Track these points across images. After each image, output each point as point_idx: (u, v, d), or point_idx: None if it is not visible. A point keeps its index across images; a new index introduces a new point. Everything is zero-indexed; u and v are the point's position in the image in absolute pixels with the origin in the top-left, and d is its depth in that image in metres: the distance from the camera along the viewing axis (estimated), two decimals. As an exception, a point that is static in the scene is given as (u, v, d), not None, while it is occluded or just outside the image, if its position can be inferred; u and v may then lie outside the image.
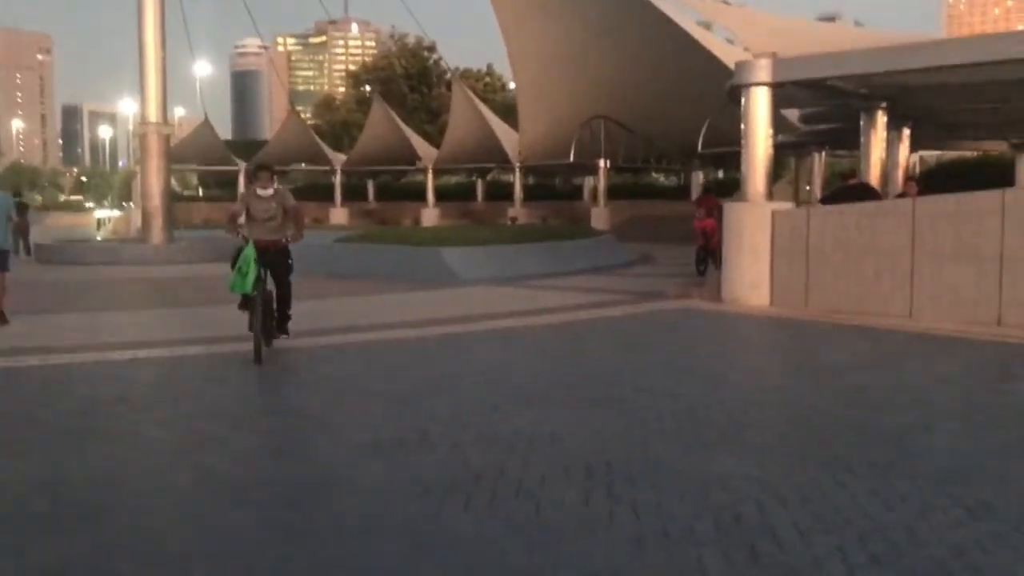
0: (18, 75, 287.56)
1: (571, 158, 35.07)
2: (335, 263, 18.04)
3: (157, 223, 23.43)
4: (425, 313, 11.76)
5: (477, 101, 40.30)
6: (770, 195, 12.23)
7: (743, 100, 12.12)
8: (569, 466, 4.89)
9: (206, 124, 42.75)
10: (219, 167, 40.35)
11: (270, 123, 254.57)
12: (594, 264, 19.09)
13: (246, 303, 8.39)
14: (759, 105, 11.97)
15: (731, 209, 12.38)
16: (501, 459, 5.04)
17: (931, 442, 5.51)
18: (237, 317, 8.69)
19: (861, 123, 15.09)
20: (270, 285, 8.44)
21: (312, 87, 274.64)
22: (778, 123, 18.55)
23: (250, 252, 8.09)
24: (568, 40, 32.71)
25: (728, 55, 28.66)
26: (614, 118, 35.58)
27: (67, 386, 7.30)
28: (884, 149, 15.15)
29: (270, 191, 8.59)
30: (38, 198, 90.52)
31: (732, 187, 41.64)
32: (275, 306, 8.55)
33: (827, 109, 17.47)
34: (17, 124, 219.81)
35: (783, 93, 12.61)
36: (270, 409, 6.75)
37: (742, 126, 12.22)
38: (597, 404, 6.57)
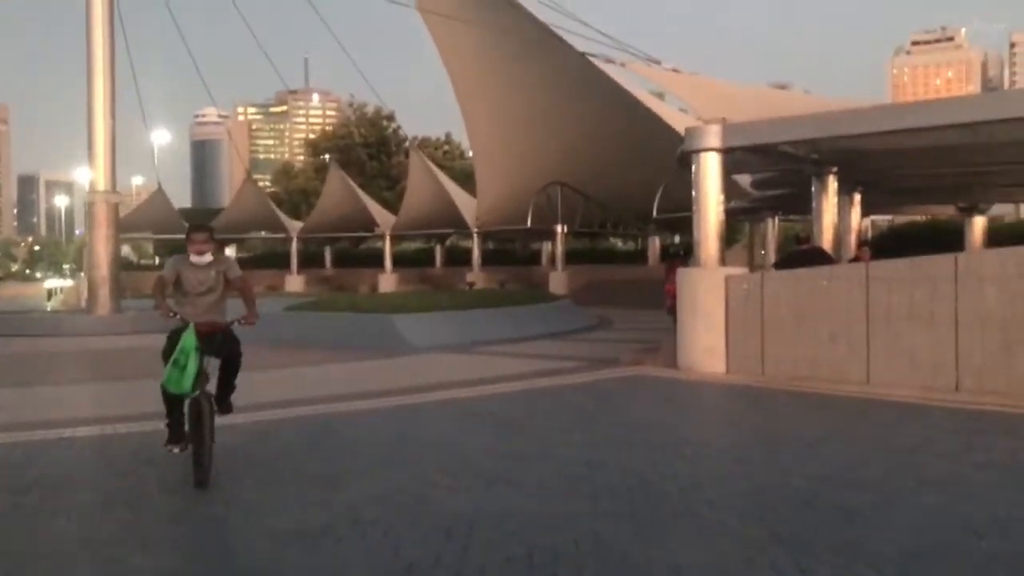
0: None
1: (528, 223, 35.16)
2: (283, 331, 17.55)
3: (104, 293, 22.85)
4: (373, 384, 11.36)
5: (435, 168, 40.47)
6: (723, 260, 12.13)
7: (694, 166, 12.08)
8: (511, 555, 4.52)
9: (159, 192, 42.26)
10: (173, 235, 39.75)
11: (230, 191, 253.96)
12: (551, 329, 18.86)
13: (175, 405, 6.59)
14: (710, 170, 11.93)
15: (685, 274, 12.24)
16: (438, 546, 4.66)
17: (893, 519, 5.22)
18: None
19: (812, 188, 15.17)
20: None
21: (273, 155, 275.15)
22: (730, 188, 18.65)
23: (189, 340, 6.23)
24: (525, 108, 33.03)
25: (681, 123, 29.09)
26: (570, 184, 35.83)
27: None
28: (836, 213, 15.21)
29: (207, 258, 6.61)
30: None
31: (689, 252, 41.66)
32: (219, 379, 6.88)
33: (778, 174, 17.61)
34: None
35: (734, 158, 12.62)
36: (194, 496, 6.28)
37: (693, 192, 12.15)
38: (546, 482, 6.21)
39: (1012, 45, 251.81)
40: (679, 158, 13.92)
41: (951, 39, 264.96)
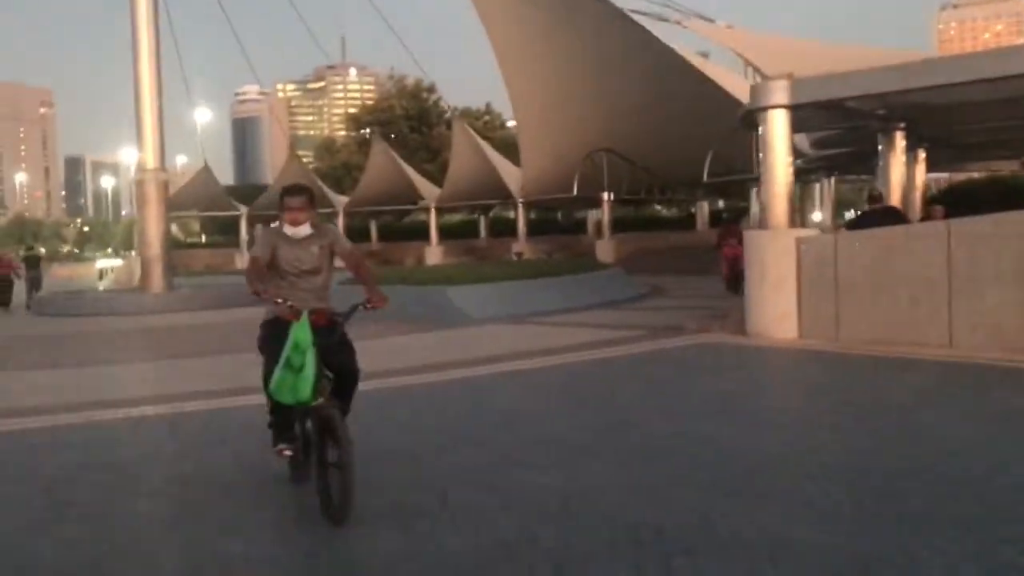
0: (21, 129, 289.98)
1: (575, 191, 34.71)
2: (334, 304, 17.47)
3: (156, 271, 22.97)
4: (435, 356, 11.17)
5: (478, 139, 40.09)
6: (792, 221, 11.68)
7: (760, 124, 11.62)
8: (614, 534, 4.28)
9: (205, 169, 42.45)
10: (220, 213, 40.05)
11: (271, 169, 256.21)
12: (604, 298, 18.53)
13: (287, 418, 5.17)
14: (778, 128, 11.46)
15: (752, 238, 11.81)
16: (533, 525, 4.43)
17: (1014, 491, 4.88)
18: (238, 368, 8.10)
19: (879, 146, 14.59)
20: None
21: (312, 132, 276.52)
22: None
23: (303, 334, 4.73)
24: (568, 74, 32.46)
25: (731, 83, 28.45)
26: (616, 150, 35.26)
27: (43, 453, 6.70)
28: (904, 172, 14.62)
29: (306, 229, 5.18)
30: (42, 250, 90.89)
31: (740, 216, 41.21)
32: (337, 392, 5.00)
33: (840, 132, 17.01)
34: (20, 177, 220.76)
35: (797, 116, 12.14)
36: (272, 475, 6.12)
37: (759, 152, 11.71)
38: (631, 454, 5.96)
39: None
40: (742, 117, 13.47)
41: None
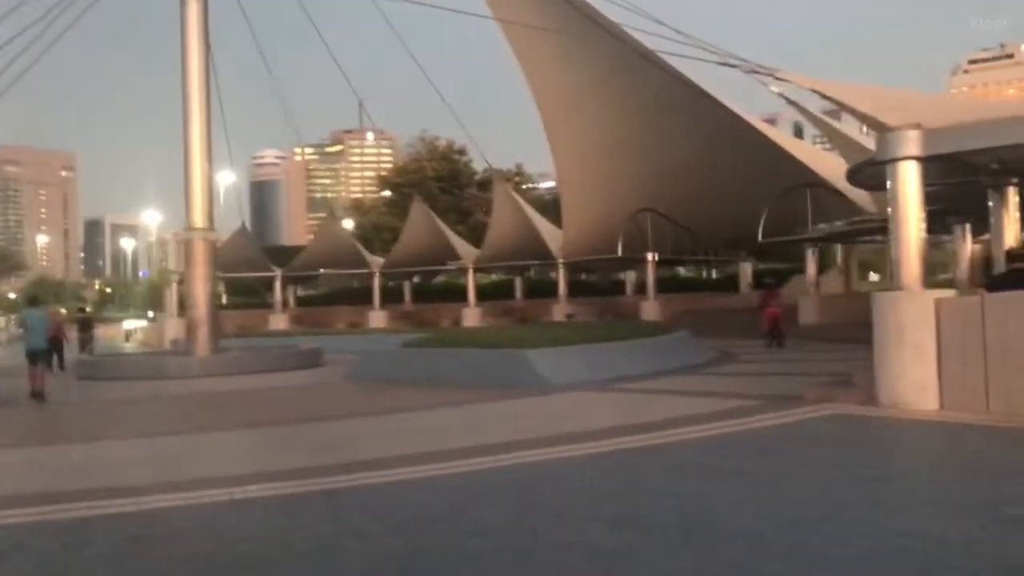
0: (42, 192, 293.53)
1: (620, 252, 33.98)
2: (399, 369, 16.64)
3: (202, 333, 22.18)
4: (545, 427, 10.21)
5: (519, 199, 39.67)
6: (924, 282, 10.77)
7: (889, 178, 10.80)
8: None
9: (242, 231, 41.98)
10: (256, 274, 39.54)
11: (287, 231, 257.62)
12: (683, 363, 17.62)
13: None
14: (909, 182, 10.64)
15: (885, 299, 10.87)
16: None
17: None
18: (330, 440, 7.19)
19: (990, 202, 13.77)
20: None
21: (329, 194, 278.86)
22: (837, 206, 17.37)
23: None
24: (613, 134, 32.01)
25: (793, 145, 27.87)
26: (659, 210, 34.66)
27: (150, 542, 5.77)
28: (1018, 229, 13.77)
29: None
30: (63, 310, 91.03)
31: (771, 278, 40.70)
32: None
33: (935, 189, 16.18)
34: (41, 239, 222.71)
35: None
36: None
37: (888, 208, 10.88)
38: (863, 556, 4.98)
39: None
40: (853, 171, 12.70)
41: (1011, 56, 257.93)
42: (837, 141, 24.76)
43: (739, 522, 5.83)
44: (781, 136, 33.17)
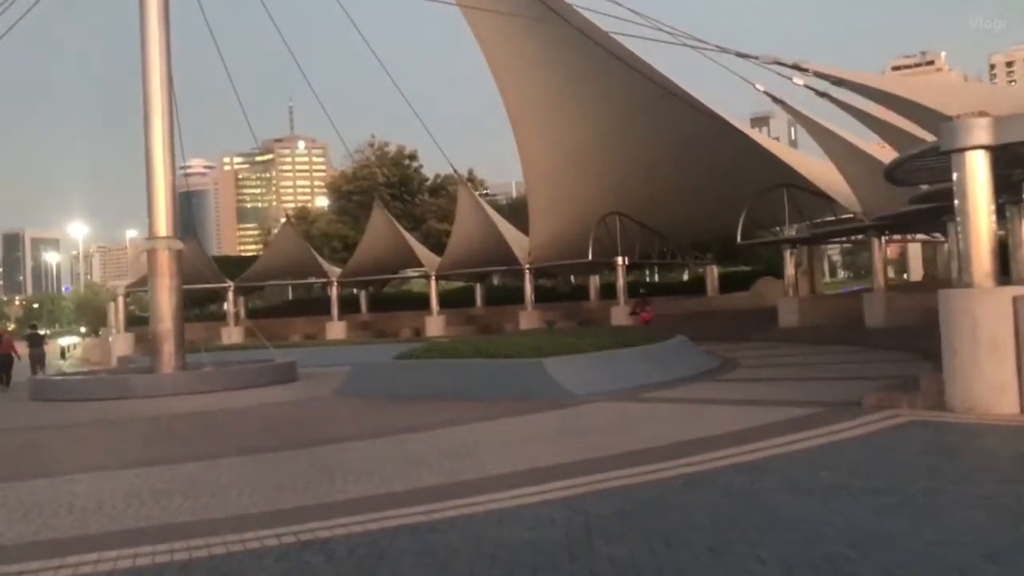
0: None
1: (590, 256, 33.30)
2: (399, 383, 15.56)
3: (168, 348, 20.71)
4: (605, 444, 9.25)
5: (485, 204, 38.71)
6: (997, 278, 10.18)
7: (955, 169, 10.20)
8: None
9: (194, 242, 40.01)
10: (208, 285, 37.62)
11: (216, 241, 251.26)
12: (697, 369, 17.03)
13: None
14: (978, 171, 10.05)
15: (955, 297, 10.26)
16: None
17: None
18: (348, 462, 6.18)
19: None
20: None
21: (260, 204, 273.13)
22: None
23: None
24: (581, 138, 31.27)
25: (772, 146, 27.44)
26: (628, 214, 34.11)
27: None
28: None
29: None
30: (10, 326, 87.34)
31: (737, 280, 40.59)
32: None
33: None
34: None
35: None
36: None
37: (955, 200, 10.27)
38: None
39: (992, 67, 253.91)
40: (896, 164, 12.09)
41: (931, 63, 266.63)
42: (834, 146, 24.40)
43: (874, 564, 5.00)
44: (758, 135, 32.93)
